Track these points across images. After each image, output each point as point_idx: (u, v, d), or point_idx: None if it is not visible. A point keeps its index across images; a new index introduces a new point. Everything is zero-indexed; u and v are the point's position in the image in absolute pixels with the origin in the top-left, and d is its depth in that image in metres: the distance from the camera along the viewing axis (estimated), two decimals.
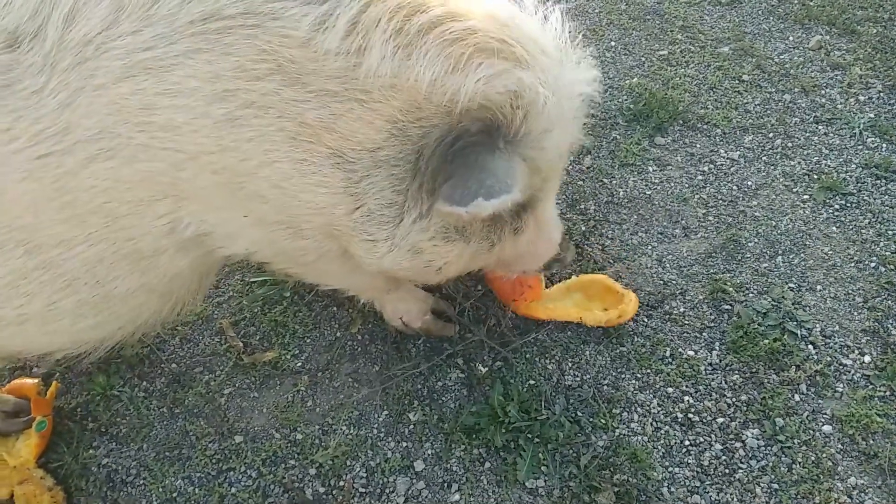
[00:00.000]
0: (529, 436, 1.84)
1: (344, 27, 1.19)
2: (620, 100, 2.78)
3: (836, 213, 2.30)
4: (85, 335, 1.56)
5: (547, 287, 2.10)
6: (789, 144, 2.55)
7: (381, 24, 1.21)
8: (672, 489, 1.74)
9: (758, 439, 1.80)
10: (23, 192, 1.26)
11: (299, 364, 2.10)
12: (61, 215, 1.31)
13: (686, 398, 1.90)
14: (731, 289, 2.11)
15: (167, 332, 2.21)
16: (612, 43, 3.05)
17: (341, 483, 1.83)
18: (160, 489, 1.88)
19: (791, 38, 2.99)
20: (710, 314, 2.07)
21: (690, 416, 1.86)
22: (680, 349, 1.99)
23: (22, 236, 1.32)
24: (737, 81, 2.81)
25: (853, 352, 1.94)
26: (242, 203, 1.38)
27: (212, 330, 2.21)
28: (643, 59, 2.96)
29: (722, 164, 2.50)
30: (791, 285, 2.12)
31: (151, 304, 1.57)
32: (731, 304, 2.08)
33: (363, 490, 1.82)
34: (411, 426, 1.92)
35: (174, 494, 1.87)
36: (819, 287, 2.11)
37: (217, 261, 1.62)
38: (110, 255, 1.40)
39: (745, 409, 1.86)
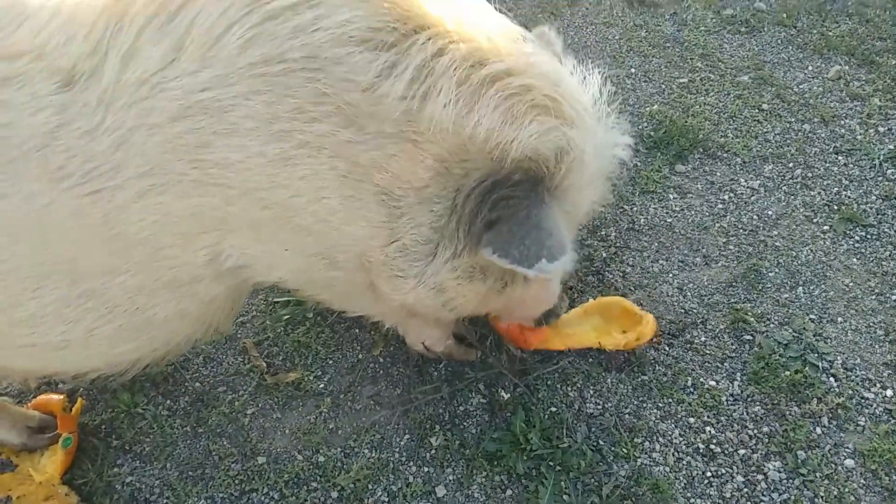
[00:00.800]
0: (551, 463, 1.85)
1: (411, 74, 1.23)
2: (641, 126, 2.80)
3: (856, 245, 2.31)
4: (121, 357, 1.59)
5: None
6: (809, 174, 2.56)
7: (448, 73, 1.25)
8: None
9: (780, 472, 1.80)
10: (72, 225, 1.28)
11: (322, 385, 2.11)
12: (107, 247, 1.33)
13: (708, 429, 1.90)
14: (752, 319, 2.13)
15: (191, 350, 2.23)
16: (633, 70, 3.08)
17: None
18: None
19: (810, 68, 3.02)
20: (732, 344, 2.08)
21: (712, 446, 1.87)
22: (701, 379, 2.00)
23: (68, 266, 1.35)
24: (756, 110, 2.83)
25: (875, 385, 1.94)
26: (287, 236, 1.41)
27: (235, 349, 2.23)
28: (663, 86, 2.99)
29: (742, 193, 2.52)
30: (812, 316, 2.12)
31: (187, 328, 1.60)
32: (752, 335, 2.09)
33: None
34: (433, 451, 1.94)
35: None
36: (840, 319, 2.11)
37: (250, 287, 1.65)
38: (151, 284, 1.42)
39: (766, 441, 1.86)
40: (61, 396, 2.09)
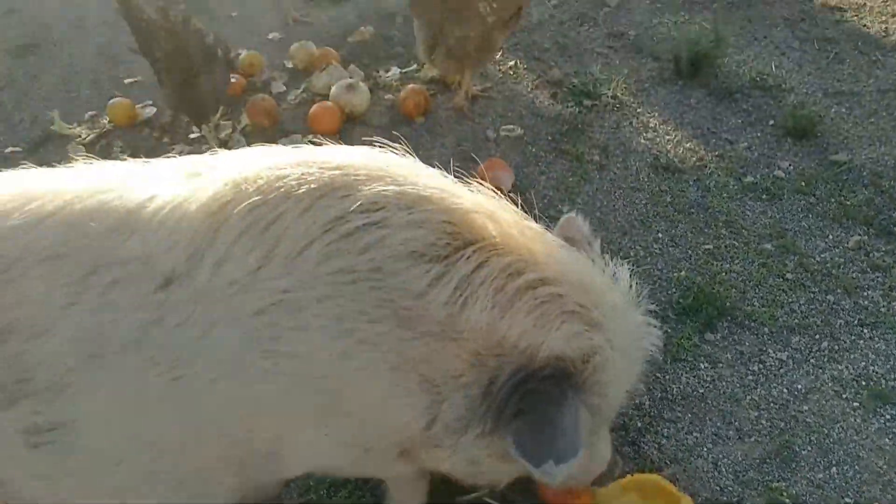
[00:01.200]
0: None
1: (455, 283, 1.44)
2: (670, 292, 2.94)
3: (887, 424, 2.37)
4: None
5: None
6: (836, 347, 2.66)
7: (486, 283, 1.46)
8: None
9: None
10: (154, 407, 1.45)
11: None
12: (180, 425, 1.49)
13: None
14: (787, 501, 2.16)
15: None
16: (660, 234, 3.26)
17: None
18: None
19: (831, 237, 3.17)
20: None
21: None
22: None
23: (147, 445, 1.50)
24: (781, 279, 2.96)
25: None
26: (332, 420, 1.56)
27: None
28: (689, 252, 3.15)
29: (771, 365, 2.61)
30: (848, 500, 2.16)
31: (239, 497, 1.73)
32: None
33: None
34: None
35: None
36: None
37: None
38: (214, 461, 1.57)
39: None
40: None
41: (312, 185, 1.47)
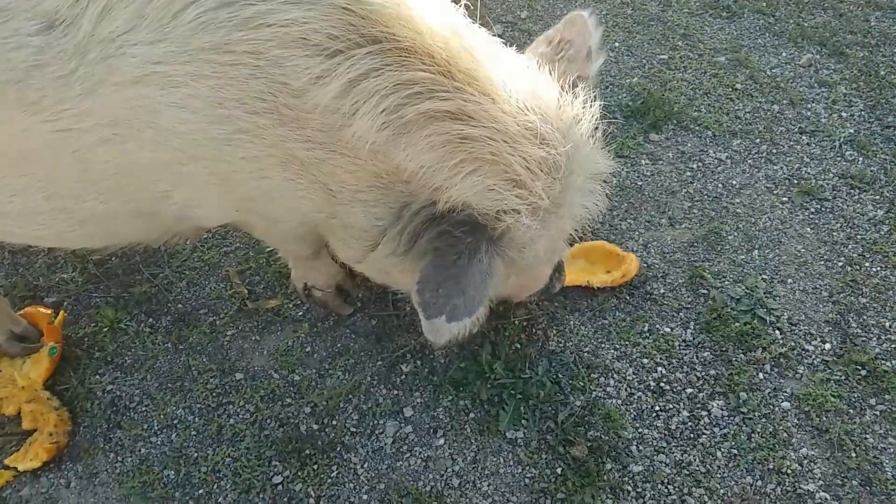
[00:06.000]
0: (513, 392, 1.98)
1: (337, 88, 1.21)
2: (620, 97, 2.93)
3: (811, 216, 2.47)
4: (82, 247, 1.82)
5: None
6: (774, 151, 2.71)
7: (376, 98, 1.22)
8: (640, 448, 1.89)
9: (722, 410, 1.95)
10: (45, 153, 1.36)
11: (300, 313, 2.22)
12: (77, 176, 1.41)
13: (659, 369, 2.05)
14: (708, 276, 2.27)
15: (174, 274, 2.32)
16: (617, 44, 3.20)
17: (334, 422, 1.96)
18: (161, 416, 1.99)
19: (784, 54, 3.16)
20: (688, 297, 2.23)
21: (662, 385, 2.01)
22: (657, 326, 2.14)
23: (43, 184, 1.44)
24: (730, 89, 2.97)
25: (815, 339, 2.10)
26: (233, 200, 1.49)
27: (218, 276, 2.32)
28: (644, 61, 3.11)
29: (710, 164, 2.66)
30: (764, 277, 2.27)
31: (147, 238, 1.75)
32: (707, 289, 2.24)
33: (354, 430, 1.95)
34: (403, 376, 2.06)
35: (174, 421, 1.99)
36: (790, 280, 2.27)
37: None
38: (115, 210, 1.52)
39: (712, 382, 2.01)
40: (48, 311, 2.17)
41: None
